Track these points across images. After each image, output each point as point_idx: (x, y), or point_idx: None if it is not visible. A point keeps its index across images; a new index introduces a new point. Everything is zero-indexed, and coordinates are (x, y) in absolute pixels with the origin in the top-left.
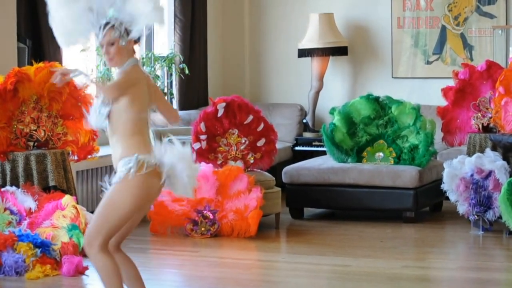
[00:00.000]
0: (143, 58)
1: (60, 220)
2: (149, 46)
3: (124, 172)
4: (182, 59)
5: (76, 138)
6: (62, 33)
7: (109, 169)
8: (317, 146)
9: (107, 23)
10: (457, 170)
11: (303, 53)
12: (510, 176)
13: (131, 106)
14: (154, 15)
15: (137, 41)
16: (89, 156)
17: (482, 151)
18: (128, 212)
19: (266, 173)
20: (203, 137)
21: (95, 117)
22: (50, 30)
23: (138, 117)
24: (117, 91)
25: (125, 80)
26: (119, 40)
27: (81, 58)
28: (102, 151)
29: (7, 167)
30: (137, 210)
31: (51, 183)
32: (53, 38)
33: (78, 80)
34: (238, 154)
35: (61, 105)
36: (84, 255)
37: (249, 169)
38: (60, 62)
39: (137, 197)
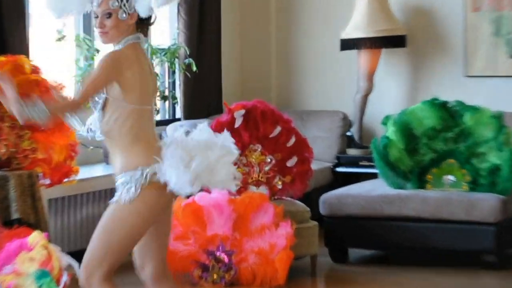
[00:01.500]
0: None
1: (25, 264)
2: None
3: (126, 194)
4: (188, 52)
5: (48, 155)
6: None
7: (92, 197)
8: (366, 166)
9: None
10: None
11: (347, 44)
12: None
13: (131, 95)
14: None
15: (144, 20)
16: (65, 180)
17: None
18: (135, 232)
19: (299, 202)
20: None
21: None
22: (13, 13)
23: (140, 110)
24: (91, 91)
25: (105, 68)
26: (118, 10)
27: (55, 50)
28: (83, 172)
29: None
30: (146, 227)
31: (14, 216)
32: (18, 19)
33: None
34: (261, 177)
35: None
36: None
37: (276, 197)
38: (27, 55)
39: (144, 213)
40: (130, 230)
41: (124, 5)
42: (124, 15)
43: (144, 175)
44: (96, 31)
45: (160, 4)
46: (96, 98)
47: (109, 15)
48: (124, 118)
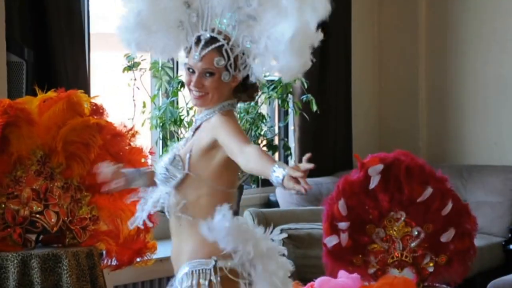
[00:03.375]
0: None
1: None
2: None
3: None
4: (306, 86)
5: (115, 226)
6: (127, 25)
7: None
8: None
9: (212, 39)
10: None
11: None
12: None
13: (221, 176)
14: (300, 62)
15: (248, 85)
16: (138, 260)
17: None
18: None
19: None
20: (343, 225)
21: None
22: (65, 32)
23: (226, 193)
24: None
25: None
26: (222, 71)
27: (123, 83)
28: (162, 249)
29: None
30: None
31: None
32: (74, 42)
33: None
34: (406, 257)
35: (89, 168)
36: None
37: (426, 284)
38: (86, 90)
39: None
40: None
41: (231, 65)
42: (227, 77)
43: (217, 267)
44: (190, 91)
45: (286, 78)
46: (175, 171)
47: (211, 74)
48: (205, 198)
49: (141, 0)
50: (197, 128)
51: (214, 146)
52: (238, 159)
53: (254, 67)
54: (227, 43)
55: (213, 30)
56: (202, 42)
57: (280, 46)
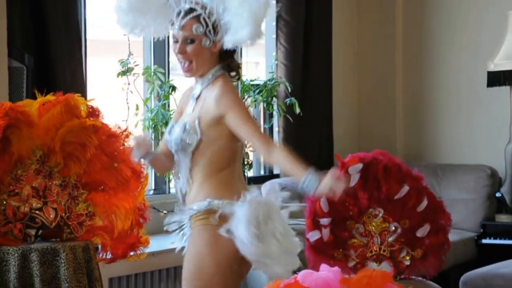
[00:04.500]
0: None
1: None
2: None
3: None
4: (289, 90)
5: (109, 222)
6: (121, 8)
7: (166, 275)
8: None
9: (190, 9)
10: None
11: (496, 78)
12: None
13: (229, 135)
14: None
15: (229, 51)
16: (131, 253)
17: None
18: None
19: (432, 284)
20: (324, 221)
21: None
22: (64, 39)
23: (234, 147)
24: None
25: (242, 103)
26: (202, 37)
27: (117, 87)
28: (154, 244)
29: None
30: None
31: None
32: (71, 48)
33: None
34: (384, 251)
35: (85, 167)
36: None
37: (403, 277)
38: (83, 93)
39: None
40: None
41: (210, 31)
42: (208, 43)
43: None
44: (176, 58)
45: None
46: (189, 139)
47: (191, 41)
48: (220, 153)
49: None
50: (198, 97)
51: (221, 119)
52: (258, 152)
53: (224, 33)
54: (205, 12)
55: (191, 2)
56: (182, 13)
57: (231, 13)
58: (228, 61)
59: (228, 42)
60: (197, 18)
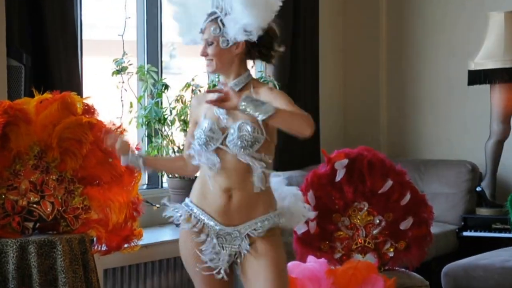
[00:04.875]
0: (211, 86)
1: None
2: None
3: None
4: (277, 88)
5: (104, 215)
6: (182, 19)
7: (159, 267)
8: (500, 230)
9: (211, 13)
10: None
11: (476, 77)
12: None
13: (274, 134)
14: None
15: (254, 49)
16: (125, 245)
17: None
18: None
19: (415, 275)
20: (311, 214)
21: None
22: (60, 39)
23: (274, 146)
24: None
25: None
26: (219, 39)
27: (113, 86)
28: (148, 236)
29: None
30: None
31: None
32: (67, 47)
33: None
34: (368, 243)
35: (81, 162)
36: None
37: (386, 268)
38: (79, 92)
39: None
40: None
41: (226, 32)
42: (225, 44)
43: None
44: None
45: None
46: (257, 138)
47: (211, 43)
48: (271, 154)
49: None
50: None
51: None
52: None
53: (228, 26)
54: (222, 14)
55: (215, 6)
56: (205, 18)
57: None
58: (256, 53)
59: (237, 34)
60: (215, 20)
